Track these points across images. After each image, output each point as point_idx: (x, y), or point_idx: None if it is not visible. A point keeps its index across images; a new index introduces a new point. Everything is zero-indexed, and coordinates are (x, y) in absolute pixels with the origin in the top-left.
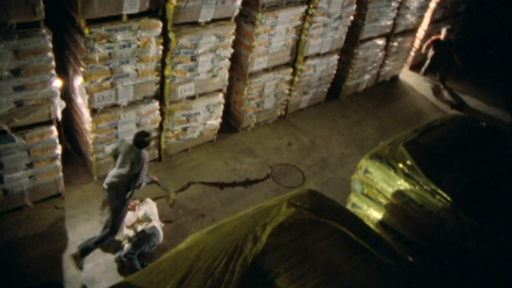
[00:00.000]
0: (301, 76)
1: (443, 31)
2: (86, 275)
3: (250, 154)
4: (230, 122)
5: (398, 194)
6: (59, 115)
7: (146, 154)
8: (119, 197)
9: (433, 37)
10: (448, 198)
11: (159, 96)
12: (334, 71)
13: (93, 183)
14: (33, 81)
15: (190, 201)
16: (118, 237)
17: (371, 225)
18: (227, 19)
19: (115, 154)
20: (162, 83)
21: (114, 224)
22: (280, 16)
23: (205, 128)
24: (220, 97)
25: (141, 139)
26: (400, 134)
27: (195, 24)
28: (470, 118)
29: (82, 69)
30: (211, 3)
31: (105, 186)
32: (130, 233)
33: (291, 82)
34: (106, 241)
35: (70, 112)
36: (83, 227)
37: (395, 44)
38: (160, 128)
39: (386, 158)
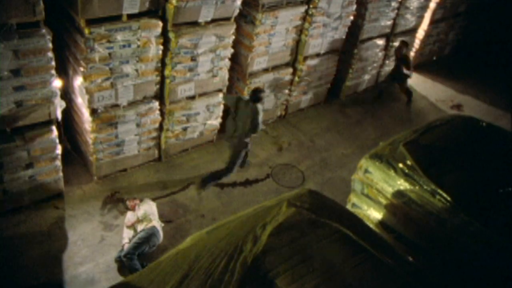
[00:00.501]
0: (301, 76)
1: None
2: (86, 275)
3: (250, 154)
4: None
5: (398, 194)
6: (59, 115)
7: (261, 106)
8: (241, 143)
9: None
10: (448, 198)
11: (159, 96)
12: (334, 71)
13: (93, 183)
14: (33, 81)
15: (190, 201)
16: None
17: (371, 225)
18: (227, 19)
19: (232, 104)
20: (162, 83)
21: (233, 162)
22: (280, 16)
23: (205, 128)
24: (220, 97)
25: (257, 95)
26: (400, 134)
27: (195, 24)
28: (470, 118)
29: (82, 69)
30: (211, 3)
31: (233, 138)
32: (130, 233)
33: (291, 82)
34: (225, 176)
35: (70, 112)
36: (83, 227)
37: (395, 44)
38: (160, 128)
39: (386, 158)
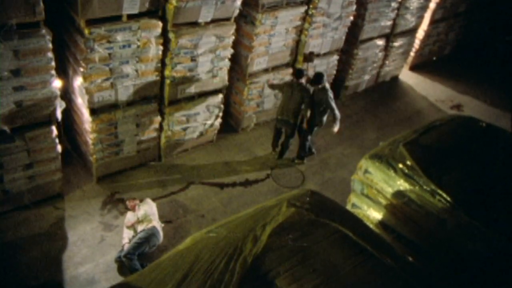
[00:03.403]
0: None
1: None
2: (86, 275)
3: (250, 154)
4: (230, 122)
5: (398, 194)
6: (59, 115)
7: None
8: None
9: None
10: (448, 198)
11: (159, 96)
12: (334, 72)
13: (93, 183)
14: (33, 82)
15: (190, 201)
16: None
17: (371, 226)
18: (227, 19)
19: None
20: (162, 83)
21: (292, 132)
22: (280, 17)
23: (205, 128)
24: (220, 98)
25: (298, 73)
26: (400, 134)
27: (195, 24)
28: (470, 118)
29: (82, 69)
30: (211, 3)
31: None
32: (130, 233)
33: None
34: (290, 142)
35: (70, 112)
36: (83, 227)
37: (395, 44)
38: (160, 128)
39: (386, 158)
